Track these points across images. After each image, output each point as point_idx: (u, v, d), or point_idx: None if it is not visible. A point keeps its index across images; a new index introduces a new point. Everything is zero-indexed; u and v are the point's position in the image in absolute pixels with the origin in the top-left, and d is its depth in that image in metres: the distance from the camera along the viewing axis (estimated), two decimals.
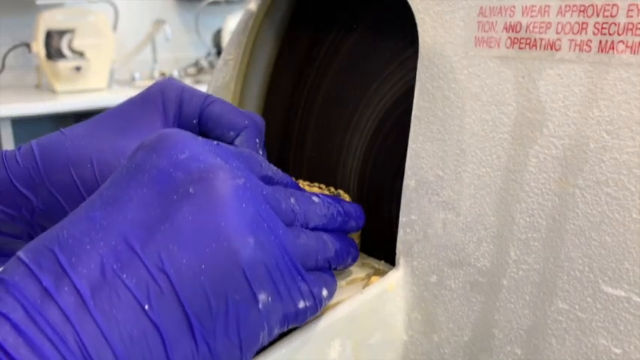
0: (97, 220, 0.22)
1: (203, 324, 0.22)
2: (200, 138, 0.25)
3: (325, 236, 0.29)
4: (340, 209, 0.30)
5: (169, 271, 0.21)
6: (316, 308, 0.26)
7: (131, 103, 0.34)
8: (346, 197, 0.37)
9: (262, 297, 0.23)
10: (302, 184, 0.39)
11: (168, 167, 0.23)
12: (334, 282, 0.29)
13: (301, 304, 0.25)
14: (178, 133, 0.25)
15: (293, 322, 0.25)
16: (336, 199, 0.31)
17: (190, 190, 0.23)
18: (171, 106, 0.33)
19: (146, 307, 0.21)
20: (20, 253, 0.21)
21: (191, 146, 0.24)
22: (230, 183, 0.23)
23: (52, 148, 0.31)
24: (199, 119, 0.33)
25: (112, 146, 0.31)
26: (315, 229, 0.28)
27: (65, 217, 0.23)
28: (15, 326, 0.19)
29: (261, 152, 0.33)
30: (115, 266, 0.21)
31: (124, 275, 0.21)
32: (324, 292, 0.27)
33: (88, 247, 0.21)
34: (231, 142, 0.33)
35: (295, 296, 0.25)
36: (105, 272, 0.21)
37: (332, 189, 0.39)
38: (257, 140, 0.33)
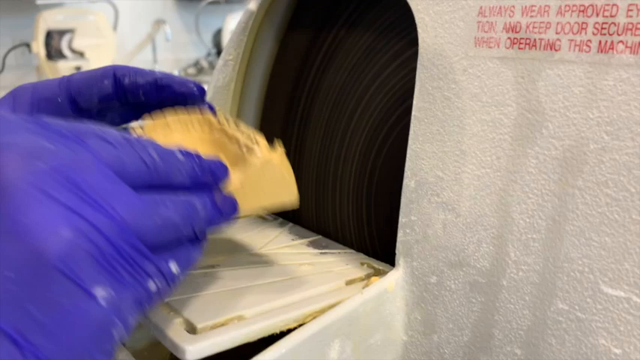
0: None
1: (30, 339, 0.18)
2: (22, 116, 0.21)
3: (196, 200, 0.25)
4: (198, 164, 0.26)
5: None
6: (168, 286, 0.23)
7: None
8: (261, 141, 0.31)
9: (100, 292, 0.20)
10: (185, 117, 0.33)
11: None
12: (193, 252, 0.25)
13: (152, 286, 0.22)
14: None
15: (148, 305, 0.22)
16: (192, 154, 0.26)
17: None
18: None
19: None
20: None
21: None
22: (28, 166, 0.19)
23: None
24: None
25: None
26: (181, 188, 0.25)
27: None
28: None
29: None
30: None
31: None
32: (173, 268, 0.23)
33: None
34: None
35: (142, 279, 0.22)
36: None
37: (246, 132, 0.32)
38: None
